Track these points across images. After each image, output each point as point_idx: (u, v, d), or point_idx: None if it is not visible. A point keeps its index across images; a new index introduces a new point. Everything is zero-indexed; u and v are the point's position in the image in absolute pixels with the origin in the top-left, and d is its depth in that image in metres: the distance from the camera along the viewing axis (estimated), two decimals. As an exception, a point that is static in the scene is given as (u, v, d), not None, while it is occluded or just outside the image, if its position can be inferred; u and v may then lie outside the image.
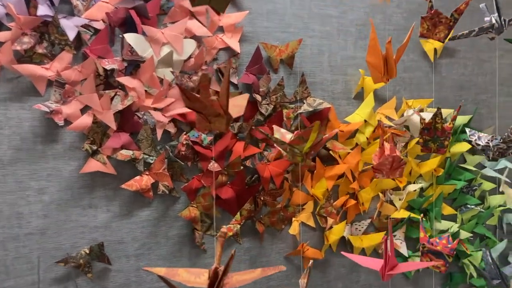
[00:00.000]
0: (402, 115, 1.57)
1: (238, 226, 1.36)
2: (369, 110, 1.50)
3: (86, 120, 1.18)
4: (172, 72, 1.26)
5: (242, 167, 1.35)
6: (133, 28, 1.21)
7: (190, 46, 1.29)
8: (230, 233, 1.34)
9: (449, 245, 1.06)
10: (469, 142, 1.01)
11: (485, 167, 1.73)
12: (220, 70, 1.33)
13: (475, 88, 1.74)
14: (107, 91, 1.19)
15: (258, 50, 1.35)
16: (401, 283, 1.65)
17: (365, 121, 1.50)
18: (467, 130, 1.15)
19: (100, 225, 1.23)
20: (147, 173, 1.25)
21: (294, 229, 1.41)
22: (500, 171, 1.73)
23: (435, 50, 1.64)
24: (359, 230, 1.54)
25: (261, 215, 1.40)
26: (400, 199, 1.58)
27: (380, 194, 1.56)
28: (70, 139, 1.19)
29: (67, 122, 1.17)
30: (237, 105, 0.85)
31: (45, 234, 1.17)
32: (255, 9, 1.37)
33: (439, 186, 1.63)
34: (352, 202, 1.50)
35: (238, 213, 1.35)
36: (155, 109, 1.25)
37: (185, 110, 1.28)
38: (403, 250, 1.57)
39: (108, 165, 1.21)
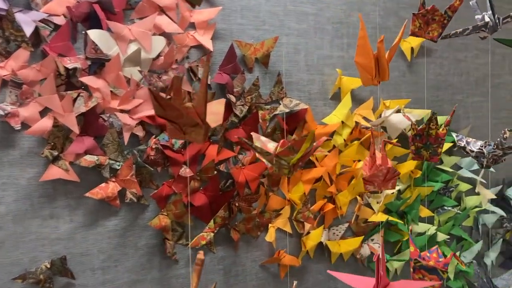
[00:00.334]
0: (380, 116, 1.53)
1: (212, 234, 1.28)
2: (346, 111, 1.45)
3: (46, 123, 1.08)
4: (140, 72, 1.18)
5: (215, 172, 1.28)
6: (97, 24, 1.12)
7: (159, 44, 1.21)
8: (204, 242, 1.27)
9: (440, 259, 1.01)
10: (463, 148, 0.97)
11: (461, 168, 1.71)
12: (192, 69, 1.25)
13: (451, 88, 1.72)
14: (69, 92, 1.10)
15: (232, 48, 1.28)
16: (379, 287, 1.61)
17: (342, 122, 1.46)
18: (454, 135, 1.12)
19: (63, 236, 1.14)
20: (113, 180, 1.17)
21: (270, 236, 1.35)
22: (476, 172, 1.72)
23: (412, 49, 1.61)
24: (337, 235, 1.49)
25: (236, 222, 1.33)
26: (378, 202, 1.54)
27: (358, 197, 1.52)
28: (29, 144, 1.09)
29: (25, 125, 1.07)
30: (214, 112, 0.77)
31: (1, 248, 1.07)
32: (229, 5, 1.30)
33: (417, 188, 1.61)
34: (330, 206, 1.45)
35: (212, 221, 1.28)
36: (121, 111, 1.16)
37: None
38: (381, 254, 1.53)
39: (71, 172, 1.12)
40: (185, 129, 0.73)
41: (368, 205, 1.54)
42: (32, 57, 1.07)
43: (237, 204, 1.32)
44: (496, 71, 1.83)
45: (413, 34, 0.94)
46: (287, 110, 1.35)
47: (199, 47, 1.27)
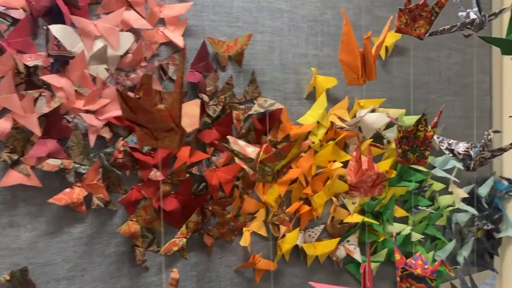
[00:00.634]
0: (354, 116, 1.51)
1: (184, 240, 1.23)
2: (321, 111, 1.42)
3: (4, 125, 1.01)
4: (107, 70, 1.11)
5: (188, 175, 1.22)
6: (60, 19, 1.05)
7: (127, 40, 1.14)
8: (176, 248, 1.21)
9: (426, 266, 0.99)
10: (451, 151, 0.94)
11: (435, 167, 1.71)
12: (162, 67, 1.19)
13: (424, 87, 1.71)
14: (29, 92, 1.03)
15: (204, 45, 1.23)
16: (354, 289, 1.59)
17: (318, 122, 1.42)
18: (435, 136, 1.09)
19: (24, 246, 1.06)
20: (79, 184, 1.10)
21: (245, 240, 1.30)
22: (449, 171, 1.72)
23: (386, 48, 1.59)
24: (313, 237, 1.46)
25: (209, 227, 1.28)
26: (353, 203, 1.52)
27: (334, 198, 1.49)
28: (-15, 147, 1.02)
29: (-20, 127, 1.00)
30: (189, 115, 0.71)
31: (-45, 260, 1.00)
32: (200, 0, 1.25)
33: (392, 188, 1.59)
34: (306, 208, 1.42)
35: (184, 226, 1.22)
36: (87, 111, 1.09)
37: (123, 112, 1.13)
38: (357, 255, 1.51)
39: (32, 176, 1.05)
40: (158, 134, 0.66)
41: (344, 206, 1.51)
42: (-12, 53, 0.99)
43: (210, 208, 1.27)
44: (468, 70, 1.84)
45: (399, 31, 0.91)
46: (262, 110, 1.30)
47: (170, 44, 1.21)
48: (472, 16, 0.88)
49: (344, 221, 1.50)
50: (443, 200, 1.72)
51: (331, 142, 1.44)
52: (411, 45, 1.65)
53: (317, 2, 1.44)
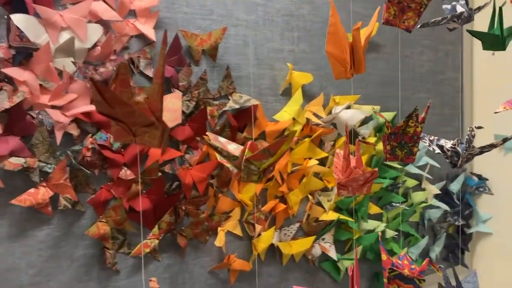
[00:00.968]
0: (330, 112, 1.49)
1: (157, 241, 1.18)
2: (297, 107, 1.40)
3: (-39, 121, 0.94)
4: (74, 63, 1.05)
5: (160, 174, 1.18)
6: (22, 8, 0.98)
7: (95, 32, 1.08)
8: (147, 250, 1.17)
9: (412, 266, 0.97)
10: (441, 148, 0.93)
11: (408, 164, 1.71)
12: (132, 60, 1.14)
13: (398, 85, 1.71)
14: (-11, 85, 0.96)
15: (176, 38, 1.18)
16: (330, 286, 1.57)
17: (294, 119, 1.40)
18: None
19: (-16, 250, 1.00)
20: (44, 184, 1.04)
21: (220, 240, 1.26)
22: (422, 168, 1.73)
23: (361, 44, 1.58)
24: (288, 236, 1.44)
25: (182, 227, 1.24)
26: (328, 200, 1.50)
27: (309, 196, 1.47)
28: None
29: None
30: (170, 109, 0.66)
31: None
32: (173, -9, 1.20)
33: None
34: (282, 206, 1.39)
35: (156, 226, 1.17)
36: (53, 107, 1.03)
37: (91, 108, 1.08)
38: (332, 253, 1.50)
39: (-7, 176, 0.98)
40: (136, 130, 0.59)
41: (319, 204, 1.49)
42: None
43: (183, 208, 1.22)
44: (440, 68, 1.85)
45: (387, 22, 0.89)
46: (237, 106, 1.27)
47: (141, 36, 1.16)
48: (460, 9, 0.87)
49: (320, 218, 1.48)
50: (416, 196, 1.73)
51: (306, 139, 1.41)
52: (386, 42, 1.64)
53: (293, -4, 1.42)
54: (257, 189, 1.33)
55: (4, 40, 0.99)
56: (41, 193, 1.03)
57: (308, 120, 1.43)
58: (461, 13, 0.85)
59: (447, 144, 0.93)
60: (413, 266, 0.96)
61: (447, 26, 0.91)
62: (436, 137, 0.99)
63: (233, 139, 1.28)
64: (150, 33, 1.15)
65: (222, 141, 0.86)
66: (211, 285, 1.31)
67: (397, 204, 1.65)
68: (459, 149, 0.89)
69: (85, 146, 1.08)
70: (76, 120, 1.07)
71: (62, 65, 1.04)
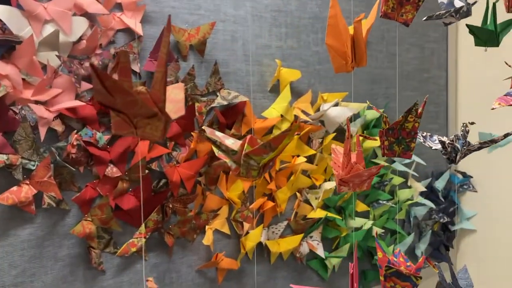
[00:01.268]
0: (318, 109, 1.49)
1: (143, 239, 1.16)
2: (285, 104, 1.38)
3: None
4: (59, 57, 1.02)
5: (147, 171, 1.15)
6: (4, -1, 0.95)
7: (80, 26, 1.05)
8: (134, 249, 1.14)
9: (408, 263, 0.97)
10: (442, 143, 0.92)
11: (395, 161, 1.72)
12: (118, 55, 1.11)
13: (386, 82, 1.71)
14: (-31, 79, 0.92)
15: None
16: (318, 284, 1.57)
17: (282, 116, 1.38)
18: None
19: (-36, 251, 0.96)
20: (27, 182, 1.00)
21: (208, 238, 1.25)
22: (408, 165, 1.74)
23: (349, 41, 1.57)
24: (276, 234, 1.42)
25: (170, 225, 1.22)
26: (316, 198, 1.49)
27: (297, 194, 1.46)
28: None
29: None
30: (173, 100, 0.63)
31: None
32: (160, -15, 1.17)
33: (354, 183, 1.58)
34: (270, 204, 1.38)
35: (143, 225, 1.15)
36: (36, 102, 1.00)
37: (76, 103, 1.05)
38: (320, 251, 1.49)
39: (-27, 174, 0.95)
40: (138, 121, 0.56)
41: (307, 201, 1.48)
42: None
43: (171, 206, 1.20)
44: (425, 65, 1.86)
45: (385, 15, 0.88)
46: (225, 103, 1.25)
47: (127, 30, 1.13)
48: (458, 3, 0.86)
49: (308, 216, 1.48)
50: (402, 194, 1.73)
51: (295, 136, 1.40)
52: (373, 39, 1.64)
53: (281, -8, 1.40)
54: (245, 186, 1.32)
55: (-15, 33, 0.95)
56: (24, 191, 1.00)
57: (296, 117, 1.42)
58: (461, 7, 0.85)
59: (446, 140, 0.93)
60: (408, 263, 0.95)
61: (444, 20, 0.90)
62: (428, 134, 0.99)
63: (221, 136, 1.26)
64: (136, 27, 1.13)
65: (219, 135, 0.84)
66: (198, 284, 1.29)
67: (384, 202, 1.65)
68: (458, 145, 0.89)
69: (70, 142, 1.05)
70: (60, 116, 1.04)
71: (46, 59, 1.01)
